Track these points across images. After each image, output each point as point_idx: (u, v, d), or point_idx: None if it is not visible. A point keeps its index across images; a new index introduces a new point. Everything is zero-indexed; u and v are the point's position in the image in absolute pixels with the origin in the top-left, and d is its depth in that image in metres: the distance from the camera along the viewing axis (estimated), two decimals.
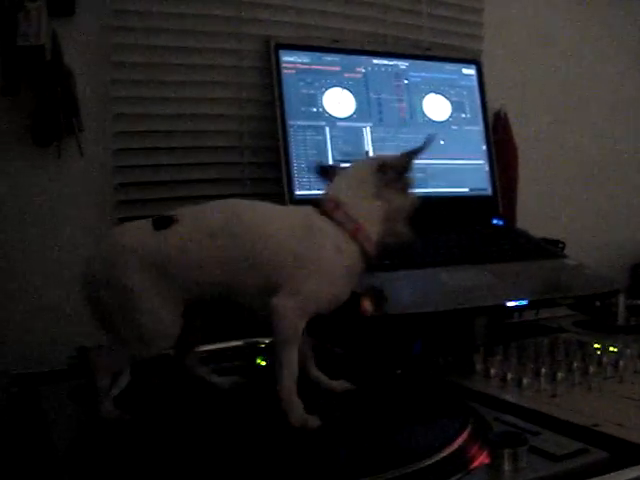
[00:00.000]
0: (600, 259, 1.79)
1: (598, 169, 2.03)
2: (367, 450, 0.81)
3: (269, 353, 1.15)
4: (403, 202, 1.00)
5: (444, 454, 0.78)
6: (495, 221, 1.61)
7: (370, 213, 0.98)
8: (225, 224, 0.95)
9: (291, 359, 0.90)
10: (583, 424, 0.91)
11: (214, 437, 0.87)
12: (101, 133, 1.40)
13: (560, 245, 1.58)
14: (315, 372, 1.04)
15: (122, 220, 1.41)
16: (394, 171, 0.99)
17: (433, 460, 0.77)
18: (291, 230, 0.95)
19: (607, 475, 0.76)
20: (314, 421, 0.87)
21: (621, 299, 1.48)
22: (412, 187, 1.01)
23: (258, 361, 1.21)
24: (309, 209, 0.99)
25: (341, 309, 1.10)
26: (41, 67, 1.29)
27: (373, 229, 0.97)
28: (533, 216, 1.76)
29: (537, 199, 1.86)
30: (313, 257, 0.93)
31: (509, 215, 1.72)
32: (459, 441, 0.81)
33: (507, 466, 0.76)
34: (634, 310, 1.53)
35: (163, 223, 0.95)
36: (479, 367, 1.15)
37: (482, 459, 0.79)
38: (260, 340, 1.26)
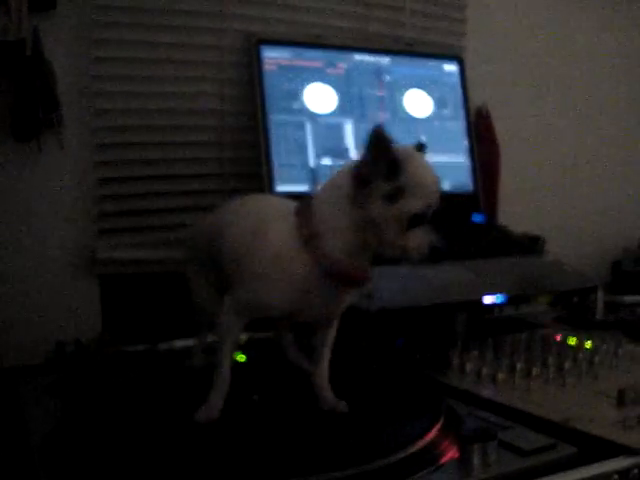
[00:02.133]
0: (581, 255, 1.80)
1: (580, 166, 2.04)
2: (338, 444, 0.82)
3: (248, 349, 1.16)
4: (384, 212, 0.83)
5: (414, 449, 0.79)
6: (476, 217, 1.62)
7: (336, 221, 0.85)
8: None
9: (224, 353, 0.91)
10: (555, 419, 0.92)
11: (190, 430, 0.87)
12: (82, 128, 1.40)
13: (540, 241, 1.59)
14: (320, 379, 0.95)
15: (102, 215, 1.42)
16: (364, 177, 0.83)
17: (403, 454, 0.78)
18: (242, 232, 0.92)
19: (574, 470, 0.78)
20: None
21: (599, 295, 1.49)
22: (405, 196, 0.83)
23: (237, 357, 1.21)
24: (287, 210, 0.90)
25: None
26: (21, 62, 1.28)
27: (335, 240, 0.84)
28: (514, 212, 1.77)
29: (518, 195, 1.87)
30: (249, 261, 0.89)
31: (490, 211, 1.73)
32: (430, 436, 0.82)
33: (476, 461, 0.77)
34: (613, 306, 1.54)
35: None
36: (455, 362, 1.16)
37: (452, 454, 0.80)
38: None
